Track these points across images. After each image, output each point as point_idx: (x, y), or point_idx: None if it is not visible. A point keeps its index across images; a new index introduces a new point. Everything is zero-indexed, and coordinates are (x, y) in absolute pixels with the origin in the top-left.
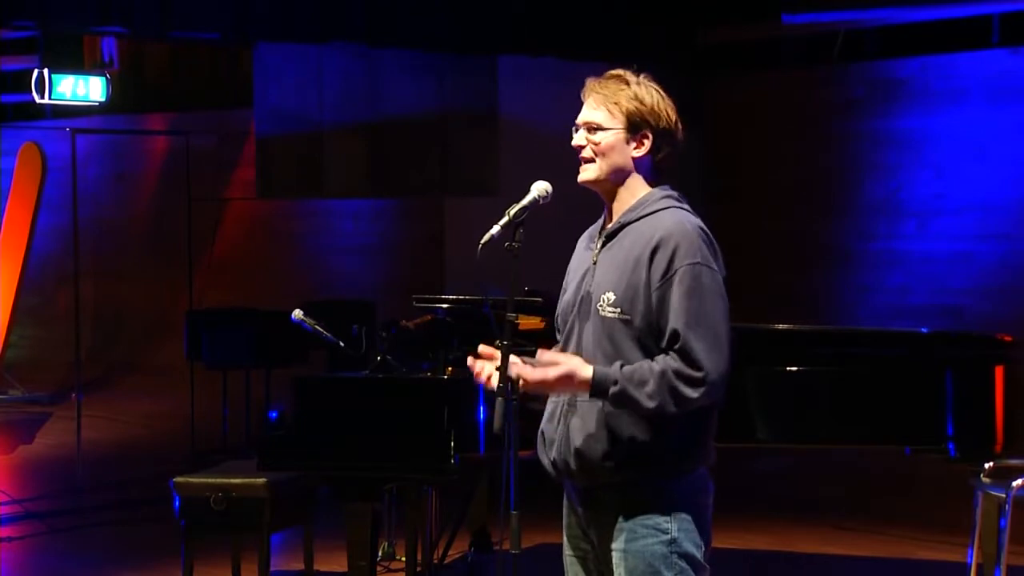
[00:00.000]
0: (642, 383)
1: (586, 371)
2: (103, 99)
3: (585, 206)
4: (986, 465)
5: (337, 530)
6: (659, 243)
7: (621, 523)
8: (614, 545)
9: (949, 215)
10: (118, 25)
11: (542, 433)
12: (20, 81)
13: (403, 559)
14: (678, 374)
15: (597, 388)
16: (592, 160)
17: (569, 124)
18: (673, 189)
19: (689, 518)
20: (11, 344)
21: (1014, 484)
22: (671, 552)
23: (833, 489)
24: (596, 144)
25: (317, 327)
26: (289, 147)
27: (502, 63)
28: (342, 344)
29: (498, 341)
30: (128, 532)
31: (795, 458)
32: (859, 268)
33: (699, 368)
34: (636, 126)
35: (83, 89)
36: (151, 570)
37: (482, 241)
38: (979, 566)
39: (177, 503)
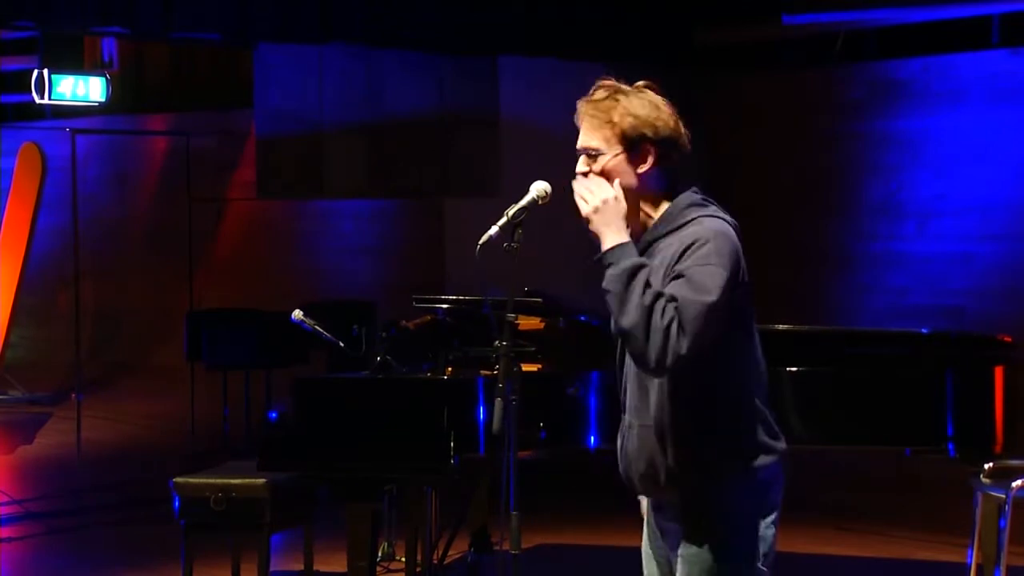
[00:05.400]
0: (646, 285)
1: (609, 239)
2: (103, 99)
3: None
4: (986, 465)
5: (337, 530)
6: (688, 246)
7: (681, 530)
8: (678, 551)
9: (949, 216)
10: (119, 25)
11: (618, 447)
12: (20, 81)
13: (403, 559)
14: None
15: (605, 261)
16: None
17: (569, 124)
18: (698, 191)
19: (741, 524)
20: (11, 344)
21: (1014, 484)
22: (721, 560)
23: (833, 489)
24: (599, 171)
25: (317, 327)
26: (289, 147)
27: (502, 63)
28: (342, 344)
29: (498, 341)
30: (128, 532)
31: (795, 458)
32: (859, 268)
33: (705, 292)
34: (635, 143)
35: (83, 89)
36: (151, 570)
37: (481, 242)
38: (979, 566)
39: (177, 503)
